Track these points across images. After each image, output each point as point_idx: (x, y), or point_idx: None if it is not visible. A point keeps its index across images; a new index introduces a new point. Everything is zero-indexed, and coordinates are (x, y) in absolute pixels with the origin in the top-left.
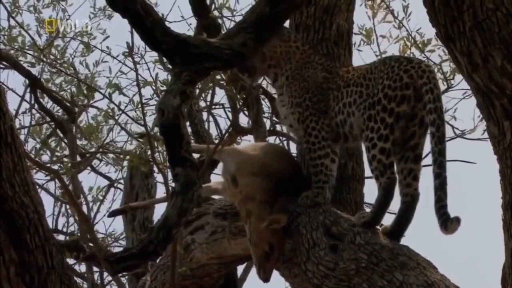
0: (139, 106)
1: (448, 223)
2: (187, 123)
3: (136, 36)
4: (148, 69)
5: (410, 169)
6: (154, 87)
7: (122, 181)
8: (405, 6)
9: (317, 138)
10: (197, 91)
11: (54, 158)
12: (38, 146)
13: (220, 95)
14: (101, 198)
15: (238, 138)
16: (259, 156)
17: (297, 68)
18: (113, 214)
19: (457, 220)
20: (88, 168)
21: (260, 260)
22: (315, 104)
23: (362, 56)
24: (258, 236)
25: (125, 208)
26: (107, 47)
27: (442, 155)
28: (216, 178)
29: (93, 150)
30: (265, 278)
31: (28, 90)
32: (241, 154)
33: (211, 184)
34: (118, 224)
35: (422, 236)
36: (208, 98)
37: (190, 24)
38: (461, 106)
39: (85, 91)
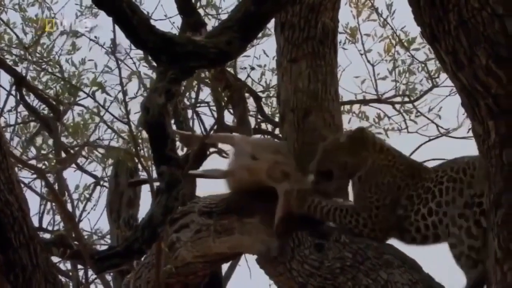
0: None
1: None
2: (172, 121)
3: (120, 34)
4: (134, 63)
5: None
6: (138, 78)
7: (107, 179)
8: (389, 5)
9: (364, 220)
10: (182, 88)
11: (40, 156)
12: (23, 144)
13: (205, 93)
14: (87, 196)
15: None
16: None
17: (375, 167)
18: (132, 184)
19: None
20: (74, 166)
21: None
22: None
23: (347, 54)
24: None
25: (143, 180)
26: (94, 39)
27: None
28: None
29: (78, 148)
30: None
31: (14, 88)
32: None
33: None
34: (103, 223)
35: None
36: (193, 96)
37: (174, 22)
38: (446, 105)
39: (68, 91)
